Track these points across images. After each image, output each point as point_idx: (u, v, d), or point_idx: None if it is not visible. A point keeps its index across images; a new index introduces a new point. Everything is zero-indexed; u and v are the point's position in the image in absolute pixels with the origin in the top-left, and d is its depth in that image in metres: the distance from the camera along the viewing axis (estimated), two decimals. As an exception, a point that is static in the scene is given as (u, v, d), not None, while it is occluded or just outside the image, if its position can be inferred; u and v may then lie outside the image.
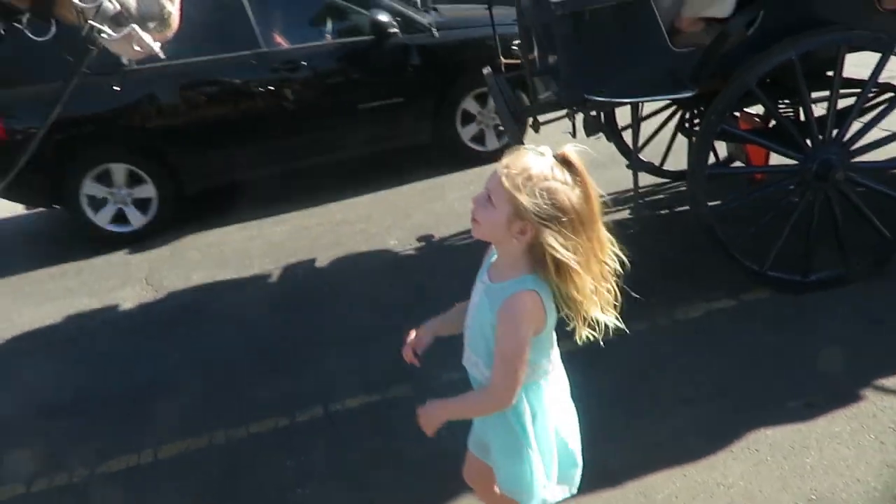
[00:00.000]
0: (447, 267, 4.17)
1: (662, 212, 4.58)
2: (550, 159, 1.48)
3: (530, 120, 3.89)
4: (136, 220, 5.57)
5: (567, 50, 3.16)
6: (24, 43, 4.72)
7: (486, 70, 4.45)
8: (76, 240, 5.63)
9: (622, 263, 1.55)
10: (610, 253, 1.53)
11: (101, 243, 5.49)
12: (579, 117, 4.02)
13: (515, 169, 1.46)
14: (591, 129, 3.93)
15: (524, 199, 1.44)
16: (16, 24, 1.46)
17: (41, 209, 6.10)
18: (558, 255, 1.44)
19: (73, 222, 5.59)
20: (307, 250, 4.86)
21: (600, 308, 1.54)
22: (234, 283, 4.56)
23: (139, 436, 3.08)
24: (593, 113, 3.96)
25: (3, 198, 5.71)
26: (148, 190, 5.53)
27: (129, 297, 4.57)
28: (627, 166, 3.94)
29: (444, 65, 5.87)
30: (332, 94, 5.72)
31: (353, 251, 4.74)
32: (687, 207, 3.94)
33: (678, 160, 4.61)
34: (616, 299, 1.57)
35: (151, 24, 1.49)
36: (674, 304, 3.44)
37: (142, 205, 5.57)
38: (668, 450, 2.52)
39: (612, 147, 4.77)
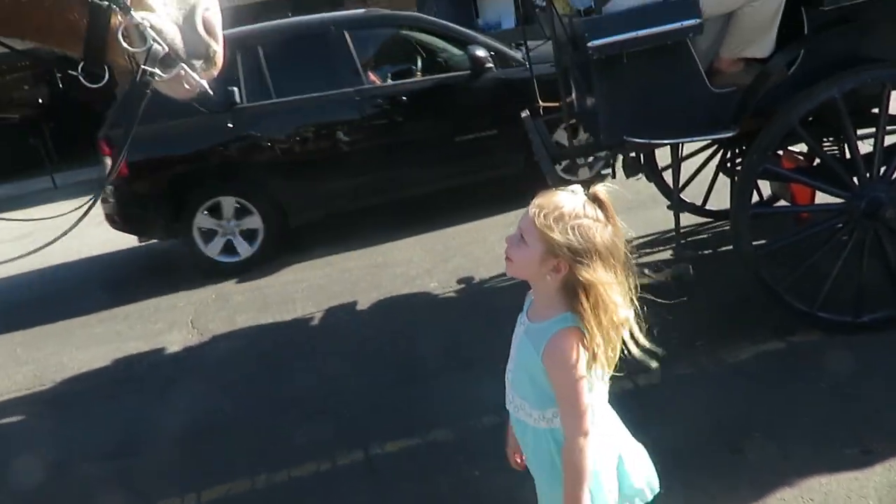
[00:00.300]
0: (487, 309, 4.16)
1: (705, 252, 4.50)
2: (582, 198, 1.52)
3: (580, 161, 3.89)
4: (244, 250, 5.82)
5: (605, 92, 3.18)
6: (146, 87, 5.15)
7: (524, 113, 4.50)
8: (148, 277, 5.79)
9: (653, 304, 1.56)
10: (634, 293, 1.54)
11: (210, 273, 5.73)
12: (619, 158, 4.02)
13: (547, 207, 1.49)
14: (630, 170, 3.92)
15: (557, 237, 1.47)
16: (72, 73, 1.52)
17: (154, 241, 6.40)
18: (594, 290, 1.47)
19: (154, 258, 5.76)
20: (348, 293, 4.90)
21: (632, 344, 1.56)
22: (277, 327, 4.61)
23: (183, 479, 3.10)
24: (633, 154, 3.96)
25: (120, 230, 6.01)
26: (254, 221, 5.78)
27: (175, 341, 4.66)
28: (668, 207, 3.88)
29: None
30: (431, 127, 5.91)
31: (393, 294, 4.76)
32: (731, 247, 3.87)
33: (720, 199, 4.55)
34: (638, 342, 1.58)
35: (198, 63, 1.53)
36: (720, 346, 3.36)
37: (249, 235, 5.82)
38: (720, 501, 2.44)
39: (652, 187, 4.74)
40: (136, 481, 3.17)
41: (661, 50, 3.04)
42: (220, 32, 1.55)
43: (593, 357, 1.52)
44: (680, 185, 3.74)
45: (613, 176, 4.42)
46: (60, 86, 15.91)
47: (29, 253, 1.70)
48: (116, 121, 5.65)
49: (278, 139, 5.77)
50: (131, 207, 5.73)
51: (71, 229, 1.66)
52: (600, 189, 1.52)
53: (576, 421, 1.51)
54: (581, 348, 1.50)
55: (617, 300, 1.50)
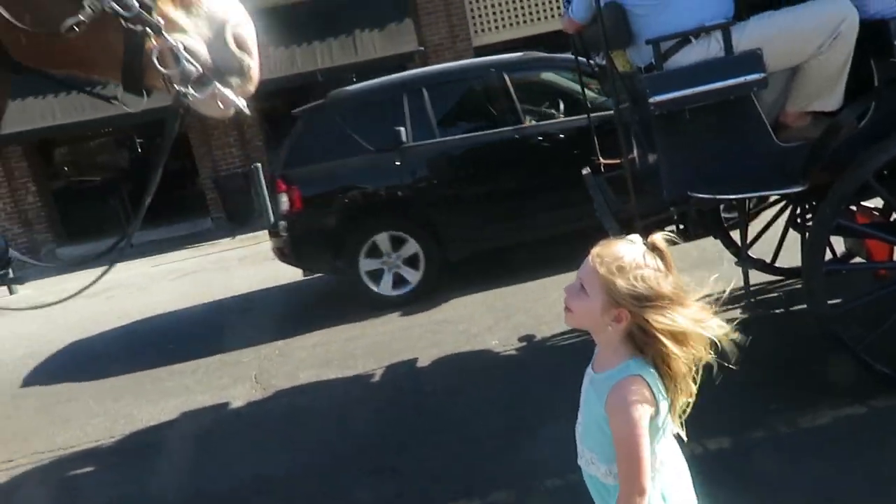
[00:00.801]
0: (549, 368, 4.09)
1: (777, 311, 4.35)
2: (641, 247, 1.52)
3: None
4: (412, 277, 6.03)
5: (667, 148, 3.16)
6: (317, 129, 5.36)
7: (585, 171, 4.49)
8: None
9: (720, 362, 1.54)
10: (699, 347, 1.52)
11: (384, 308, 5.91)
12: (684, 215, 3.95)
13: (608, 257, 1.50)
14: (696, 226, 3.85)
15: (620, 285, 1.47)
16: (111, 101, 1.59)
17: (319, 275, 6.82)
18: (658, 338, 1.45)
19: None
20: (409, 350, 4.90)
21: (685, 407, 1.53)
22: (339, 383, 4.63)
23: (243, 535, 3.10)
24: (697, 210, 3.89)
25: (290, 263, 6.39)
26: (412, 246, 6.00)
27: (239, 396, 4.72)
28: (737, 263, 3.79)
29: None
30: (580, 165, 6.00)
31: (454, 351, 4.74)
32: (804, 307, 3.73)
33: (791, 256, 4.41)
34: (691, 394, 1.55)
35: (234, 80, 1.55)
36: (796, 410, 3.20)
37: (410, 262, 6.04)
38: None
39: (718, 244, 4.63)
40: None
41: (725, 104, 3.01)
42: (253, 47, 1.57)
43: (659, 407, 1.48)
44: (748, 242, 3.64)
45: (678, 233, 4.34)
46: (139, 150, 16.83)
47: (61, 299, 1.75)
48: (291, 160, 6.06)
49: (439, 176, 6.04)
50: (302, 242, 6.05)
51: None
52: (658, 238, 1.53)
53: (632, 475, 1.47)
54: (643, 397, 1.47)
55: (683, 351, 1.47)
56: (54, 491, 3.92)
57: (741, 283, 3.51)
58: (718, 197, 3.16)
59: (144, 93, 1.55)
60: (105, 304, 7.91)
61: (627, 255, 1.50)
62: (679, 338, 1.48)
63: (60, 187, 14.27)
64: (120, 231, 12.73)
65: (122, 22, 1.43)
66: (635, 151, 3.97)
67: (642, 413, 1.46)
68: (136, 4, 1.44)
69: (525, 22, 13.62)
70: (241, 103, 1.56)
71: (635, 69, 3.38)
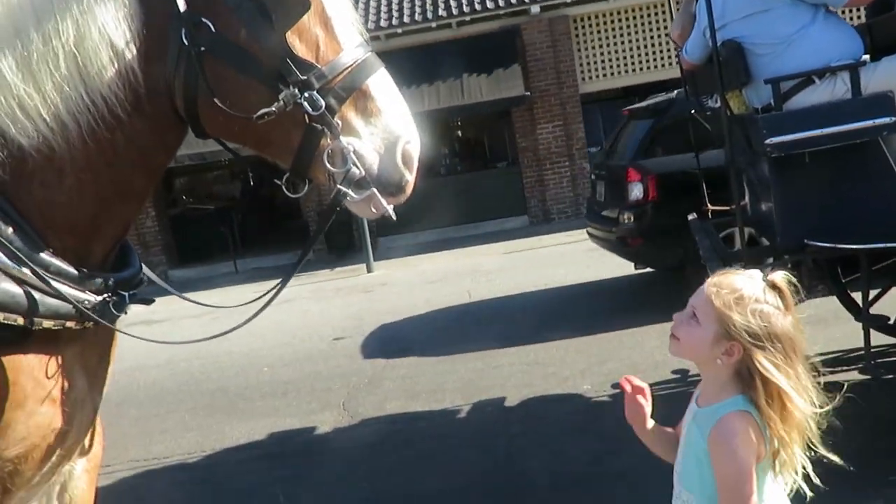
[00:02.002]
0: (644, 418, 3.90)
1: (901, 376, 3.99)
2: (761, 283, 1.45)
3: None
4: None
5: (784, 193, 2.99)
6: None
7: (692, 216, 4.33)
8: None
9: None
10: (810, 400, 1.42)
11: None
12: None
13: (726, 288, 1.44)
14: (811, 278, 3.62)
15: (736, 318, 1.40)
16: (276, 181, 1.69)
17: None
18: (771, 378, 1.37)
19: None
20: (498, 389, 4.81)
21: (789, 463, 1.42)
22: (426, 416, 4.59)
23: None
24: (814, 260, 3.66)
25: (628, 255, 6.61)
26: None
27: (326, 422, 4.76)
28: (857, 320, 3.52)
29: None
30: None
31: (544, 393, 4.62)
32: (933, 373, 3.41)
33: (919, 319, 4.06)
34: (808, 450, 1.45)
35: (391, 190, 1.62)
36: (921, 485, 2.91)
37: None
38: None
39: (834, 301, 4.33)
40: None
41: (850, 149, 2.83)
42: (415, 165, 1.66)
43: (767, 452, 1.39)
44: (870, 298, 3.38)
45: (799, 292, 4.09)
46: (251, 183, 17.69)
47: (210, 337, 1.85)
48: (642, 151, 6.21)
49: None
50: (653, 232, 6.08)
51: (254, 316, 1.81)
52: (779, 277, 1.45)
53: None
54: (751, 436, 1.39)
55: (798, 396, 1.38)
56: (145, 499, 4.03)
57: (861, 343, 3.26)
58: (839, 246, 2.95)
59: (307, 181, 1.66)
60: (209, 325, 8.24)
61: (747, 289, 1.43)
62: (783, 389, 1.39)
63: (177, 214, 15.13)
64: (228, 257, 13.38)
65: (306, 118, 1.55)
66: (747, 198, 3.79)
67: (749, 450, 1.38)
68: (323, 105, 1.55)
69: (630, 72, 13.52)
70: (391, 212, 1.64)
71: (751, 110, 3.25)
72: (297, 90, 1.53)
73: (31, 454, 1.58)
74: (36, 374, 1.55)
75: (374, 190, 1.60)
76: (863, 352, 3.36)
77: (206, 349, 7.15)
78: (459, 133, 15.43)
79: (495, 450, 3.91)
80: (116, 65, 1.50)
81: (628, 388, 1.65)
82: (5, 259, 1.47)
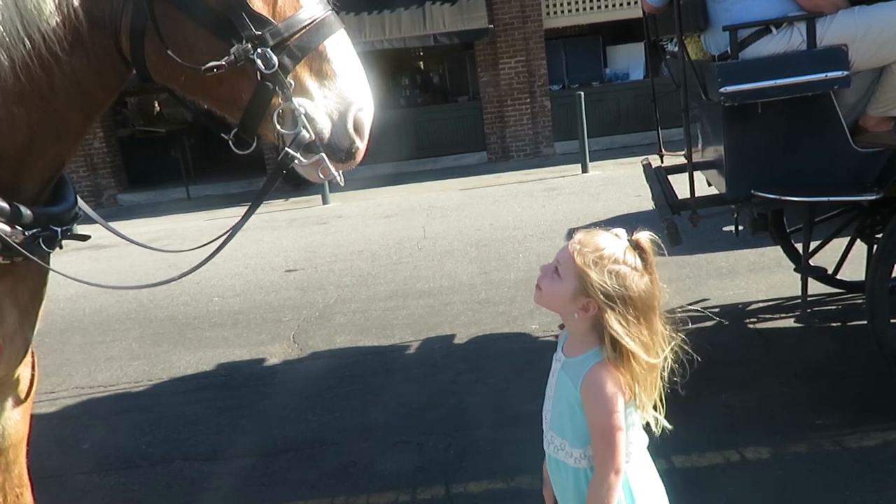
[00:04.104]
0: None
1: (833, 324, 4.16)
2: (625, 243, 1.52)
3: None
4: None
5: (734, 143, 3.02)
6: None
7: (645, 160, 4.35)
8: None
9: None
10: (662, 350, 1.54)
11: None
12: (743, 214, 3.79)
13: (588, 246, 1.50)
14: (756, 227, 3.69)
15: (592, 277, 1.47)
16: (223, 136, 1.65)
17: None
18: (618, 338, 1.47)
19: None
20: (447, 326, 4.87)
21: (647, 401, 1.55)
22: (374, 351, 4.63)
23: (262, 492, 3.12)
24: (760, 211, 3.72)
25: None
26: None
27: (275, 353, 4.77)
28: (795, 270, 3.63)
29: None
30: None
31: (492, 332, 4.68)
32: (864, 323, 3.55)
33: (855, 269, 4.20)
34: (662, 399, 1.59)
35: (339, 155, 1.60)
36: (843, 429, 3.06)
37: None
38: None
39: (778, 250, 4.45)
40: (216, 487, 3.22)
41: (802, 101, 2.85)
42: (367, 132, 1.63)
43: (628, 395, 1.50)
44: (811, 250, 3.47)
45: (737, 234, 4.18)
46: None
47: (176, 277, 1.80)
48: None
49: None
50: None
51: (207, 260, 1.79)
52: (643, 237, 1.53)
53: (607, 456, 1.49)
54: (617, 382, 1.50)
55: (644, 352, 1.49)
56: (88, 426, 4.02)
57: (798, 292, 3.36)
58: (784, 198, 3.00)
59: (255, 139, 1.62)
60: (157, 252, 8.08)
61: (608, 249, 1.50)
62: (630, 347, 1.49)
63: (126, 136, 14.61)
64: (180, 182, 13.06)
65: (258, 75, 1.50)
66: (700, 144, 3.81)
67: (617, 398, 1.49)
68: (276, 63, 1.50)
69: (596, 8, 13.32)
70: (340, 178, 1.62)
71: (709, 57, 3.23)
72: (250, 45, 1.48)
73: None
74: None
75: (323, 155, 1.58)
76: (800, 300, 3.47)
77: (155, 276, 7.04)
78: (420, 65, 15.11)
79: (440, 385, 3.98)
80: (56, 0, 1.42)
81: None
82: None
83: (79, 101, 1.56)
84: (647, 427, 1.63)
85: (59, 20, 1.44)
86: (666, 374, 1.58)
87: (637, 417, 1.58)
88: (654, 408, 1.58)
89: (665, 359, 1.55)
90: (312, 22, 1.54)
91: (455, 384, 3.98)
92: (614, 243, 1.51)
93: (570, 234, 1.58)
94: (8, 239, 1.49)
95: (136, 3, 1.48)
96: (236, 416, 3.92)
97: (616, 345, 1.48)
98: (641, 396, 1.52)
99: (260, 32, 1.49)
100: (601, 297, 1.47)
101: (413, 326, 4.95)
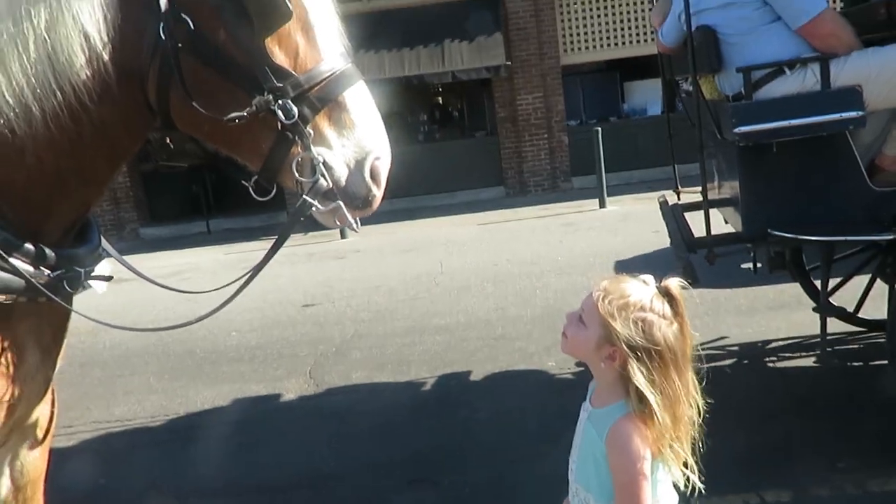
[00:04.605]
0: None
1: (855, 364, 4.10)
2: (652, 289, 1.48)
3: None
4: None
5: (750, 182, 3.02)
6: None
7: (661, 197, 4.36)
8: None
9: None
10: (694, 401, 1.49)
11: None
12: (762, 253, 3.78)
13: (613, 293, 1.47)
14: (773, 266, 3.67)
15: (616, 326, 1.43)
16: (244, 183, 1.68)
17: None
18: (643, 391, 1.42)
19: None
20: (464, 362, 4.86)
21: (676, 459, 1.49)
22: (390, 387, 4.62)
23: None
24: (777, 249, 3.71)
25: None
26: None
27: (292, 389, 4.77)
28: (814, 309, 3.59)
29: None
30: None
31: (509, 368, 4.67)
32: (885, 363, 3.50)
33: (878, 307, 4.15)
34: (694, 451, 1.52)
35: (356, 204, 1.63)
36: (865, 472, 2.99)
37: None
38: None
39: (797, 287, 4.41)
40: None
41: (817, 141, 2.86)
42: (384, 181, 1.65)
43: (655, 451, 1.45)
44: (830, 288, 3.44)
45: (755, 271, 4.16)
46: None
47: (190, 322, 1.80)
48: None
49: None
50: None
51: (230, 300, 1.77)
52: (673, 283, 1.49)
53: None
54: (643, 439, 1.45)
55: (669, 404, 1.44)
56: (105, 461, 4.03)
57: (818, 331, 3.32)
58: (800, 238, 2.99)
59: (275, 186, 1.65)
60: (176, 286, 8.16)
61: (634, 296, 1.46)
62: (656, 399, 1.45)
63: (149, 170, 14.85)
64: (201, 216, 13.22)
65: (278, 125, 1.54)
66: (716, 181, 3.82)
67: (643, 453, 1.44)
68: (296, 114, 1.53)
69: (613, 45, 13.46)
70: (356, 225, 1.65)
71: (723, 97, 3.25)
72: (271, 97, 1.52)
73: None
74: None
75: (341, 202, 1.60)
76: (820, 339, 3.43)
77: (175, 312, 7.10)
78: (438, 100, 15.30)
79: (457, 423, 3.96)
80: (87, 53, 1.48)
81: None
82: None
83: (106, 148, 1.61)
84: (676, 485, 1.58)
85: (89, 73, 1.49)
86: (697, 427, 1.52)
87: (665, 474, 1.52)
88: (685, 464, 1.52)
89: (697, 412, 1.50)
90: (332, 74, 1.58)
91: (471, 421, 3.96)
92: (641, 290, 1.47)
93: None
94: (32, 280, 1.52)
95: (164, 57, 1.52)
96: (253, 452, 3.92)
97: (642, 397, 1.43)
98: (669, 453, 1.47)
99: (281, 85, 1.53)
100: (625, 347, 1.43)
101: (429, 363, 4.94)
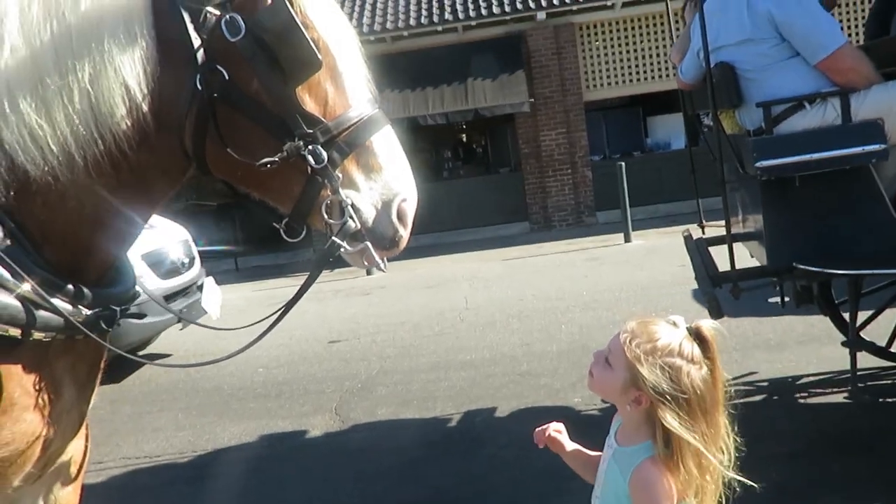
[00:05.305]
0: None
1: (888, 400, 4.01)
2: (682, 332, 1.44)
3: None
4: None
5: (774, 215, 3.02)
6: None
7: (686, 231, 4.36)
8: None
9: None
10: (724, 445, 1.45)
11: None
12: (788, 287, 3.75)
13: (641, 337, 1.44)
14: (801, 300, 3.64)
15: (644, 371, 1.40)
16: (275, 225, 1.73)
17: None
18: (668, 437, 1.39)
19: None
20: (489, 398, 4.84)
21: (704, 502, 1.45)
22: (416, 423, 4.61)
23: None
24: (803, 283, 3.68)
25: None
26: None
27: (318, 425, 4.79)
28: (844, 344, 3.55)
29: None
30: None
31: (534, 405, 4.64)
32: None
33: (909, 342, 4.08)
34: (723, 497, 1.48)
35: (384, 244, 1.68)
36: (901, 510, 2.93)
37: None
38: None
39: (828, 321, 4.35)
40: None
41: (840, 175, 2.86)
42: (410, 221, 1.70)
43: (679, 498, 1.42)
44: (860, 322, 3.40)
45: (783, 305, 4.12)
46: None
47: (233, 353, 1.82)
48: None
49: None
50: None
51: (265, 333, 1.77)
52: (705, 325, 1.45)
53: None
54: (667, 482, 1.41)
55: (696, 451, 1.40)
56: (134, 497, 4.07)
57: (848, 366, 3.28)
58: (826, 271, 2.98)
59: (305, 228, 1.71)
60: (207, 321, 8.27)
61: (663, 339, 1.43)
62: (686, 445, 1.41)
63: (180, 209, 15.16)
64: (229, 253, 13.41)
65: (308, 169, 1.59)
66: (740, 215, 3.82)
67: (667, 496, 1.41)
68: (326, 159, 1.59)
69: (635, 80, 13.55)
70: (383, 265, 1.70)
71: (744, 132, 3.28)
72: (301, 143, 1.57)
73: (14, 458, 1.62)
74: (24, 382, 1.58)
75: (368, 244, 1.64)
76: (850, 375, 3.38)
77: (202, 347, 7.19)
78: (462, 137, 15.47)
79: (482, 459, 3.93)
80: (128, 104, 1.55)
81: (540, 444, 1.77)
82: (0, 270, 1.51)
83: (143, 192, 1.68)
84: None
85: (129, 123, 1.56)
86: (729, 468, 1.48)
87: None
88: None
89: (728, 459, 1.46)
90: (360, 119, 1.63)
91: (496, 458, 3.93)
92: (669, 333, 1.44)
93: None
94: (70, 318, 1.58)
95: (200, 106, 1.59)
96: (279, 489, 3.93)
97: (668, 442, 1.41)
98: (693, 501, 1.44)
99: (311, 131, 1.58)
100: (652, 392, 1.40)
101: (454, 399, 4.93)
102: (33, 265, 1.55)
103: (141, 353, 6.07)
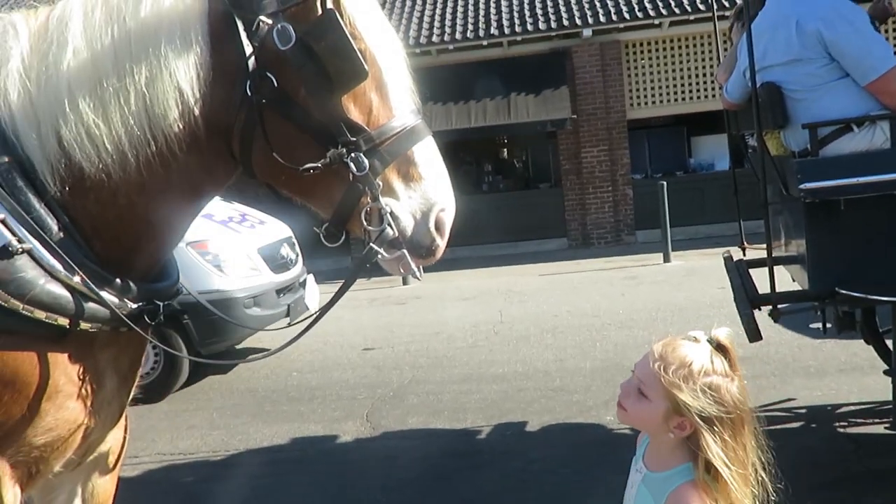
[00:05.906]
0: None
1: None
2: (707, 347, 1.42)
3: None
4: None
5: (817, 239, 2.96)
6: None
7: (726, 253, 4.30)
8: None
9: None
10: (754, 458, 1.44)
11: None
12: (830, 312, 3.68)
13: (673, 362, 1.41)
14: (842, 326, 3.56)
15: (686, 398, 1.37)
16: (315, 229, 1.77)
17: None
18: (714, 461, 1.36)
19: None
20: (520, 412, 4.82)
21: None
22: (445, 434, 4.62)
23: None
24: (846, 309, 3.60)
25: None
26: None
27: (349, 431, 4.82)
28: (886, 373, 3.46)
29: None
30: None
31: (565, 421, 4.61)
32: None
33: (956, 375, 3.95)
34: None
35: (421, 253, 1.71)
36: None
37: None
38: None
39: (871, 349, 4.24)
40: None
41: (888, 199, 2.79)
42: (447, 231, 1.73)
43: None
44: (903, 351, 3.31)
45: (824, 331, 4.03)
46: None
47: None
48: None
49: None
50: None
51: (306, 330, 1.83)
52: (722, 334, 1.44)
53: None
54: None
55: (734, 477, 1.38)
56: (167, 492, 4.15)
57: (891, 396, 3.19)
58: (870, 297, 2.91)
59: (344, 233, 1.74)
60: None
61: (695, 361, 1.40)
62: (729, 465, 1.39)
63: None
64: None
65: (350, 175, 1.64)
66: (782, 238, 3.75)
67: None
68: (367, 166, 1.63)
69: (680, 100, 13.43)
70: (419, 273, 1.73)
71: (789, 153, 3.23)
72: (344, 150, 1.62)
73: (57, 444, 1.68)
74: (69, 371, 1.64)
75: (405, 251, 1.68)
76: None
77: (240, 349, 7.31)
78: (504, 151, 15.49)
79: (511, 473, 3.92)
80: (180, 107, 1.61)
81: None
82: (53, 262, 1.58)
83: (190, 193, 1.74)
84: None
85: (181, 125, 1.62)
86: (762, 480, 1.46)
87: None
88: None
89: (763, 466, 1.45)
90: (403, 129, 1.67)
91: (525, 472, 3.91)
92: (698, 352, 1.41)
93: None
94: (117, 310, 1.64)
95: (249, 111, 1.64)
96: (307, 492, 3.97)
97: (710, 467, 1.38)
98: None
99: (354, 139, 1.62)
100: (697, 418, 1.37)
101: (485, 411, 4.93)
102: (84, 258, 1.62)
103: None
